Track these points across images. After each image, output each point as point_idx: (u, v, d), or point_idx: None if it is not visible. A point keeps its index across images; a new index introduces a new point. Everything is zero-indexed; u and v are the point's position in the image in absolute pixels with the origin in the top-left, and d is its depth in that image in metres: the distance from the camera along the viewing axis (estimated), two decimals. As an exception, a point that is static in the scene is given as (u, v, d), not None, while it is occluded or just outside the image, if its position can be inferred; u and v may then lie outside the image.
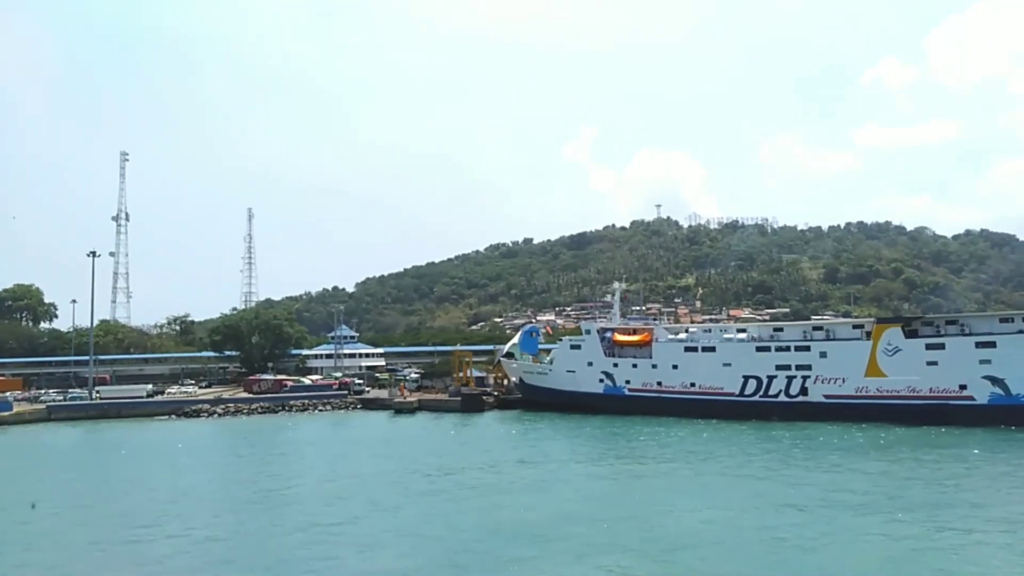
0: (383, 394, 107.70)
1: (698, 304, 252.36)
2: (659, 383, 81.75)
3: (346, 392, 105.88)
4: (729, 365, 76.99)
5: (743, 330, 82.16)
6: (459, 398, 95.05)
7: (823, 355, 71.92)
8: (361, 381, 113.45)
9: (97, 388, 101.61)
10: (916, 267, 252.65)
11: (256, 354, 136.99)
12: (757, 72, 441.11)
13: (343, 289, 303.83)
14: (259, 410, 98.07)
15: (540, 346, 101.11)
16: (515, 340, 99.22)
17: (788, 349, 74.00)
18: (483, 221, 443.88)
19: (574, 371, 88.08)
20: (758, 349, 75.64)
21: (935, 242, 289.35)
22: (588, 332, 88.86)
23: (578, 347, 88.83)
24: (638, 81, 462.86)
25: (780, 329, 78.56)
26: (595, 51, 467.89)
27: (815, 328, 76.09)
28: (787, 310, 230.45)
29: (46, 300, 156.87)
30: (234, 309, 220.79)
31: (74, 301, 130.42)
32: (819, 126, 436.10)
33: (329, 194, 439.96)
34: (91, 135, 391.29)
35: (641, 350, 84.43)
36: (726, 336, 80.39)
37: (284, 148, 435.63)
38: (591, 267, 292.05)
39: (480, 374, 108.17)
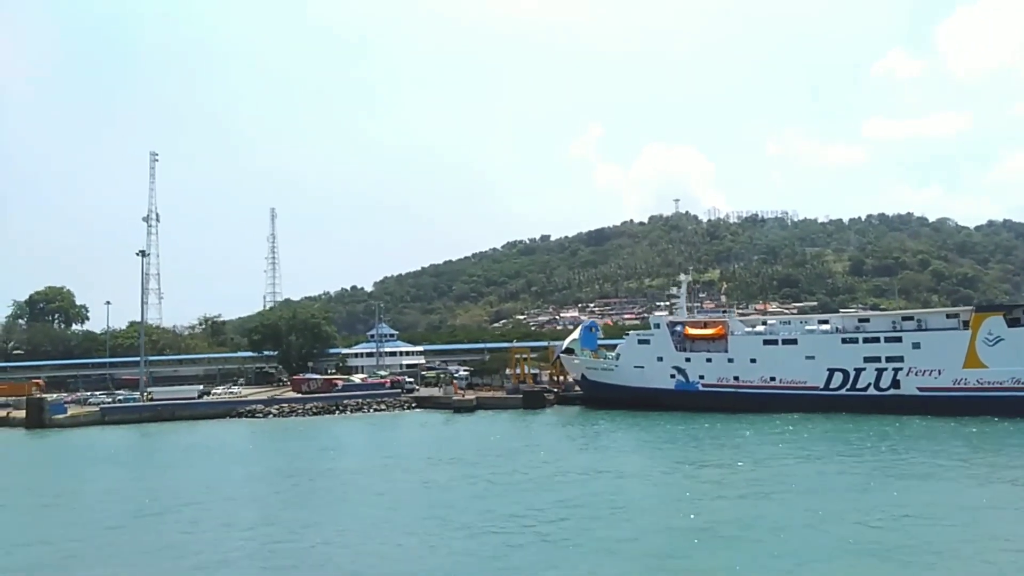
0: (433, 392, 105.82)
1: (723, 299, 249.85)
2: (736, 378, 79.49)
3: (399, 391, 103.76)
4: (813, 358, 74.73)
5: (825, 321, 79.73)
6: (520, 396, 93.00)
7: (916, 346, 69.64)
8: (412, 380, 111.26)
9: (148, 389, 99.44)
10: (943, 259, 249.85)
11: (294, 353, 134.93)
12: (764, 66, 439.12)
13: (362, 288, 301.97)
14: (313, 410, 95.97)
15: (600, 341, 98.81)
16: (575, 336, 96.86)
17: (877, 340, 71.72)
18: (492, 220, 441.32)
19: (643, 366, 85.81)
20: (844, 341, 73.35)
21: (958, 233, 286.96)
22: (657, 326, 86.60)
23: (647, 341, 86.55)
24: (645, 77, 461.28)
25: (866, 320, 76.32)
26: (602, 47, 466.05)
27: (905, 318, 73.76)
28: (815, 303, 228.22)
29: (77, 302, 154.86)
30: (271, 306, 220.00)
31: (108, 302, 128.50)
32: (827, 119, 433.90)
33: (342, 195, 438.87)
34: (109, 137, 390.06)
35: (715, 343, 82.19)
36: (808, 328, 78.04)
37: (301, 150, 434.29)
38: (611, 263, 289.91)
39: (532, 371, 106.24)
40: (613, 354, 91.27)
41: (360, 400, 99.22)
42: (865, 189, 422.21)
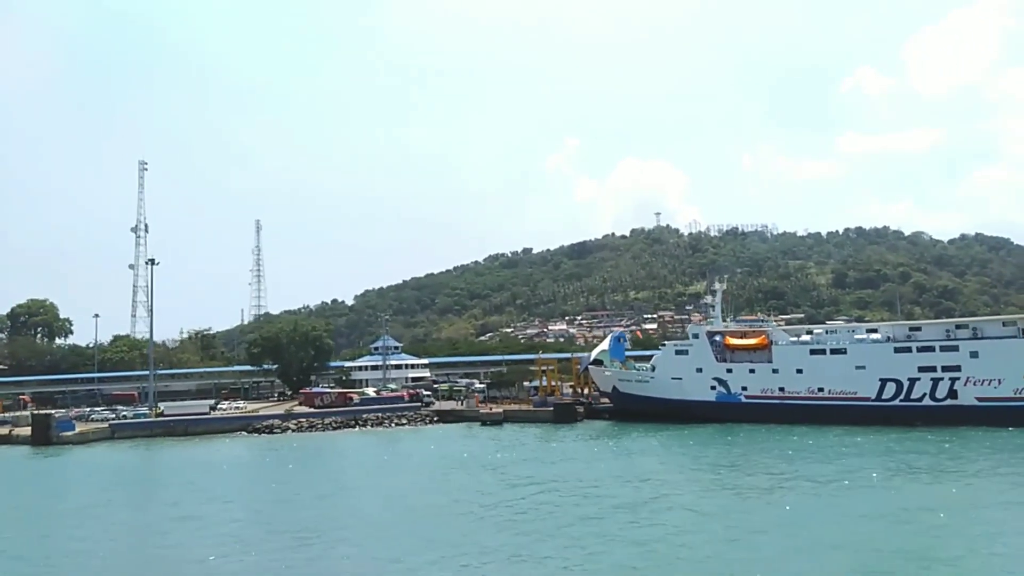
0: (450, 406, 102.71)
1: (710, 312, 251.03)
2: (781, 389, 77.88)
3: (419, 404, 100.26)
4: (863, 368, 73.43)
5: (873, 330, 78.72)
6: (549, 409, 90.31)
7: (974, 355, 68.76)
8: (429, 393, 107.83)
9: (159, 404, 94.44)
10: (923, 271, 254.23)
11: (295, 367, 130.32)
12: (736, 82, 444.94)
13: (342, 302, 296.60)
14: (333, 425, 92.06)
15: (627, 353, 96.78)
16: (603, 347, 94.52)
17: (932, 349, 70.71)
18: (471, 234, 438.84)
19: (680, 378, 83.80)
20: (897, 350, 72.22)
21: (934, 247, 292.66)
22: (696, 336, 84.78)
23: (684, 352, 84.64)
24: (619, 92, 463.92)
25: (917, 328, 75.25)
26: (577, 61, 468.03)
27: (958, 327, 72.89)
28: (801, 315, 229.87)
29: (61, 315, 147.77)
30: (251, 320, 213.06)
31: (96, 315, 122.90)
32: (799, 134, 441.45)
33: (320, 209, 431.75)
34: (92, 147, 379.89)
35: (757, 354, 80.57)
36: (857, 337, 76.88)
37: (281, 163, 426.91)
38: (595, 276, 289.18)
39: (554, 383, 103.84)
40: (648, 366, 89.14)
41: (380, 414, 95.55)
42: (839, 203, 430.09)
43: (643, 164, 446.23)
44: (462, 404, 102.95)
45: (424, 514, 41.70)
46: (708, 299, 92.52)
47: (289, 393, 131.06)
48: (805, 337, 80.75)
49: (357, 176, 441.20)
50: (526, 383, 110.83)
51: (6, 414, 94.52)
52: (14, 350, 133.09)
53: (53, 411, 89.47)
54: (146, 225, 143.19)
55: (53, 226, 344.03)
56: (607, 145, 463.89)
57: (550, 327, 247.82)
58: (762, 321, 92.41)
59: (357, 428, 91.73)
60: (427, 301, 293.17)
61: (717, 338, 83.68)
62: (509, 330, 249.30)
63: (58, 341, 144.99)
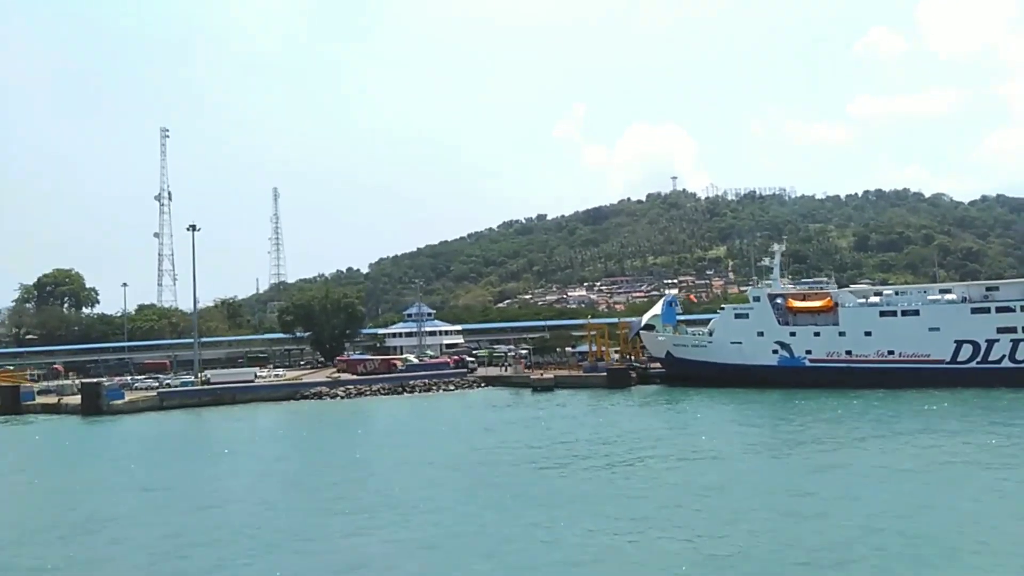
0: (493, 371, 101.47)
1: (731, 276, 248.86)
2: (848, 352, 75.99)
3: (465, 370, 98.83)
4: (937, 330, 71.45)
5: (947, 290, 76.51)
6: (603, 374, 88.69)
7: (1056, 315, 66.77)
8: (473, 359, 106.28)
9: (204, 372, 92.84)
10: (946, 233, 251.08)
11: (327, 334, 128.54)
12: (747, 44, 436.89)
13: (358, 270, 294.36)
14: (382, 391, 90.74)
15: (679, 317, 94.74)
16: (656, 311, 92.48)
17: (1011, 310, 68.66)
18: (482, 201, 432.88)
19: (740, 342, 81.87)
20: (974, 311, 70.14)
21: (955, 209, 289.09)
22: (757, 299, 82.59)
23: (745, 316, 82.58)
24: (626, 55, 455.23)
25: (995, 288, 73.11)
26: (583, 25, 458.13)
27: (1039, 286, 70.84)
28: (825, 279, 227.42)
29: (87, 285, 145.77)
30: (281, 287, 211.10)
31: (125, 284, 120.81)
32: (810, 97, 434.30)
33: (330, 179, 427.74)
34: (111, 117, 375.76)
35: (822, 316, 78.56)
36: (931, 298, 74.68)
37: (294, 135, 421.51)
38: (612, 241, 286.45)
39: (585, 348, 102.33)
40: (705, 330, 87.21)
41: (427, 381, 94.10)
42: (851, 167, 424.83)
43: (652, 129, 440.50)
44: (505, 370, 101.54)
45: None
46: (766, 261, 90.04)
47: (322, 361, 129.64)
48: (874, 299, 78.48)
49: (368, 150, 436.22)
50: (568, 348, 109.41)
51: (49, 383, 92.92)
52: (44, 320, 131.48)
53: (102, 380, 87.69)
54: (169, 193, 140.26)
55: (76, 196, 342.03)
56: (615, 110, 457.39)
57: (569, 293, 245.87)
58: (824, 282, 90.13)
59: (404, 394, 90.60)
60: (442, 268, 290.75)
61: (779, 301, 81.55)
62: (528, 297, 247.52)
63: (85, 311, 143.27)
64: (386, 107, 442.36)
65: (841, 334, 76.49)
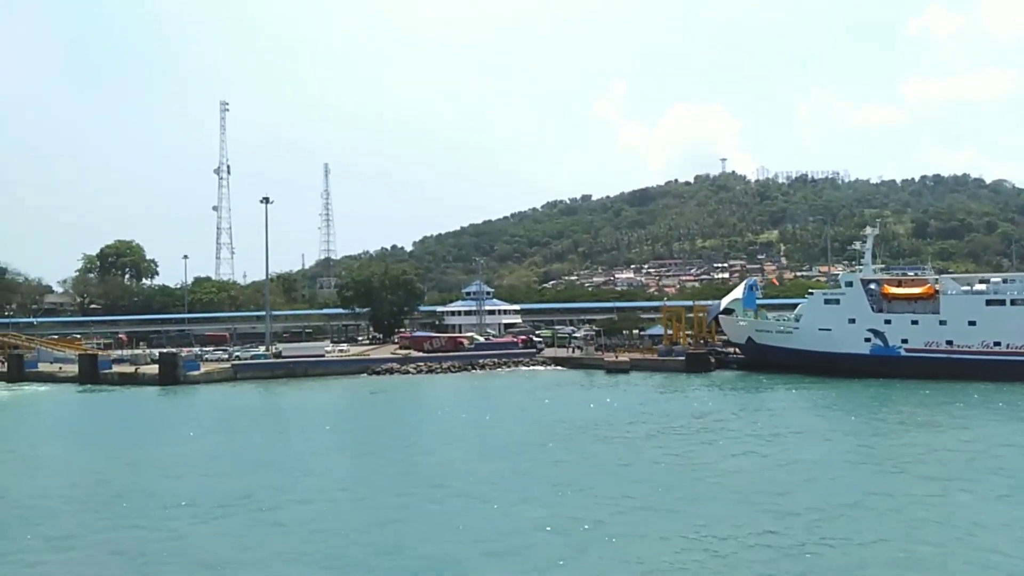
0: (558, 352, 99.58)
1: (784, 260, 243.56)
2: (949, 342, 72.37)
3: (534, 350, 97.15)
4: (1051, 321, 67.61)
5: (1059, 280, 72.49)
6: (681, 358, 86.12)
7: None
8: (540, 339, 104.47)
9: (276, 345, 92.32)
10: (1010, 221, 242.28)
11: (386, 310, 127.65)
12: (795, 24, 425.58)
13: (402, 248, 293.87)
14: (453, 368, 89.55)
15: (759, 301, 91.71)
16: (736, 295, 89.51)
17: None
18: (523, 182, 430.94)
19: (830, 329, 78.51)
20: (1093, 302, 66.20)
21: (1018, 195, 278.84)
22: (850, 284, 79.01)
23: (835, 301, 79.12)
24: (670, 33, 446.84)
25: (1116, 277, 68.97)
26: (623, 4, 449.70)
27: None
28: (882, 266, 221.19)
29: (147, 257, 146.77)
30: (330, 263, 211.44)
31: (186, 256, 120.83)
32: (861, 79, 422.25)
33: (374, 158, 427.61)
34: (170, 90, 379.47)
35: (921, 304, 74.92)
36: (1044, 287, 70.77)
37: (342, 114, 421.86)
38: (659, 223, 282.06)
39: (654, 331, 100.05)
40: (792, 316, 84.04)
41: (496, 359, 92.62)
42: (902, 150, 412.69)
43: (695, 109, 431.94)
44: (573, 351, 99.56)
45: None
46: (857, 245, 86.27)
47: (379, 337, 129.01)
48: (979, 287, 74.55)
49: (407, 125, 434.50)
50: (635, 331, 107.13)
51: (123, 352, 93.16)
52: (107, 289, 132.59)
53: (179, 350, 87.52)
54: (228, 166, 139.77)
55: (137, 169, 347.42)
56: (657, 89, 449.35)
57: (617, 275, 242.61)
58: (922, 268, 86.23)
59: (473, 371, 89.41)
60: (486, 248, 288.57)
61: (872, 287, 78.02)
62: (573, 278, 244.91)
63: (145, 282, 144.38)
64: (417, 88, 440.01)
65: (942, 323, 72.76)
